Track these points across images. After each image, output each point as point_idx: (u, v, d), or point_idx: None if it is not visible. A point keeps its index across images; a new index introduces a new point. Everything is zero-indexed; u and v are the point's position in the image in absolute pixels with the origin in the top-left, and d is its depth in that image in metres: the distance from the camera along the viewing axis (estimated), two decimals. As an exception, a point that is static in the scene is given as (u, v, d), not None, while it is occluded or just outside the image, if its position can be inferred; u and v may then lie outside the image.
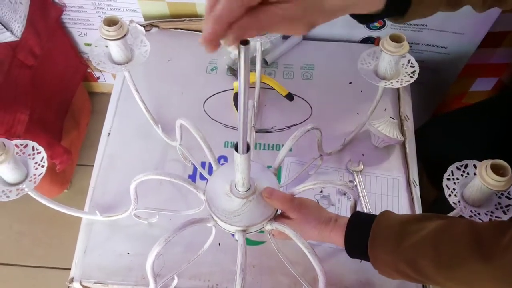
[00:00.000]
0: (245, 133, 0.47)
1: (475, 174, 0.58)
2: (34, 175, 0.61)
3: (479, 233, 0.50)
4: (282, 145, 0.70)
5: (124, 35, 0.65)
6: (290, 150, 0.83)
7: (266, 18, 0.37)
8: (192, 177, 0.82)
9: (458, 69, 1.07)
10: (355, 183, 0.80)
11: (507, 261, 0.46)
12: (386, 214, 0.59)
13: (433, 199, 0.96)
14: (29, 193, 0.61)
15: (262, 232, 0.62)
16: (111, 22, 0.64)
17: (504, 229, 0.49)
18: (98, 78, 1.43)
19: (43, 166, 0.62)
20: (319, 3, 0.41)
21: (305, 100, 0.92)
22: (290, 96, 0.90)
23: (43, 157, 0.62)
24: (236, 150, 0.49)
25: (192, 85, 0.93)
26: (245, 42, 0.37)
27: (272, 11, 0.37)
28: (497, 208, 0.60)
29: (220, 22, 0.35)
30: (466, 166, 0.63)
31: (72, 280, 0.71)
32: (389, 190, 0.80)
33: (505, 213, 0.59)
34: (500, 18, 0.91)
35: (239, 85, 0.41)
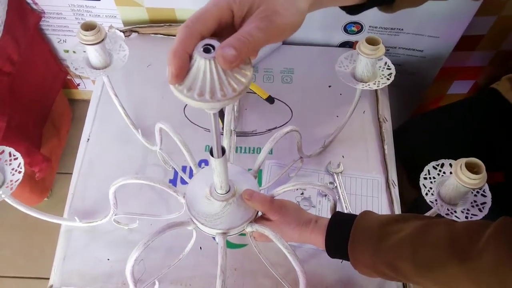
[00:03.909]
0: (218, 137, 0.47)
1: (451, 173, 0.59)
2: (11, 181, 0.60)
3: (456, 236, 0.51)
4: (263, 148, 0.70)
5: (102, 40, 0.65)
6: (271, 153, 0.84)
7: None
8: (173, 182, 0.82)
9: (434, 72, 1.09)
10: (335, 185, 0.81)
11: (482, 263, 0.47)
12: (365, 214, 0.59)
13: (413, 199, 0.97)
14: (6, 199, 0.60)
15: (244, 235, 0.62)
16: (88, 27, 0.64)
17: (479, 231, 0.49)
18: (79, 85, 1.42)
19: (20, 172, 0.61)
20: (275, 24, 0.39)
21: (285, 103, 0.93)
22: (270, 99, 0.91)
23: (20, 163, 0.61)
24: (211, 154, 0.49)
25: (172, 90, 0.93)
26: (207, 50, 0.36)
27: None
28: (473, 206, 0.61)
29: (184, 56, 0.36)
30: (442, 165, 0.64)
31: (51, 288, 0.70)
32: (369, 191, 0.80)
33: (480, 211, 0.60)
34: (474, 21, 0.93)
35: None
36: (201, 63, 0.35)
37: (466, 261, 0.48)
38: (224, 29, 0.39)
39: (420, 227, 0.54)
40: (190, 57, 0.36)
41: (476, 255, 0.48)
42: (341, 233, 0.59)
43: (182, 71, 0.36)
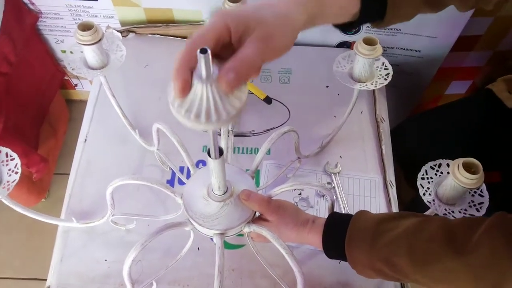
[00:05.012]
0: (215, 137, 0.47)
1: (448, 173, 0.59)
2: (8, 181, 0.60)
3: (452, 230, 0.51)
4: (261, 149, 0.70)
5: (99, 40, 0.65)
6: (269, 153, 0.84)
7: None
8: (171, 182, 0.81)
9: (432, 72, 1.09)
10: (333, 185, 0.81)
11: (478, 256, 0.48)
12: (361, 213, 0.59)
13: (411, 199, 0.97)
14: (3, 200, 0.60)
15: (241, 235, 0.62)
16: (85, 27, 0.64)
17: (475, 225, 0.50)
18: (76, 85, 1.42)
19: (16, 173, 0.61)
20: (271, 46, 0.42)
21: (283, 103, 0.92)
22: (268, 100, 0.91)
23: (16, 164, 0.61)
24: (209, 155, 0.49)
25: (170, 90, 0.93)
26: (204, 51, 0.36)
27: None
28: (470, 206, 0.61)
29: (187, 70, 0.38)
30: (439, 165, 0.64)
31: (48, 289, 0.70)
32: (367, 191, 0.81)
33: (478, 211, 0.61)
34: (471, 22, 0.93)
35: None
36: (198, 87, 0.37)
37: (462, 255, 0.49)
38: (223, 49, 0.41)
39: (416, 223, 0.54)
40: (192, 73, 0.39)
41: (472, 248, 0.48)
42: (338, 232, 0.59)
43: (187, 86, 0.38)
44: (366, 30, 1.00)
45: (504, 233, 0.47)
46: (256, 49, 0.39)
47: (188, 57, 0.39)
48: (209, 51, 0.35)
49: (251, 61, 0.39)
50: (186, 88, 0.38)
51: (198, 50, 0.35)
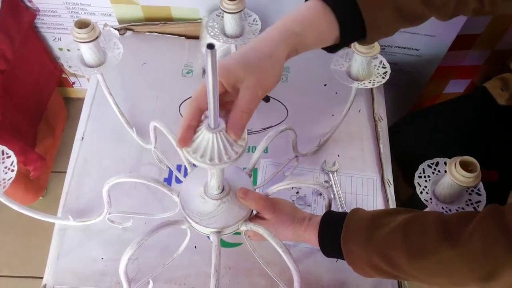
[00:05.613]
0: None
1: (445, 171, 0.59)
2: (4, 179, 0.60)
3: (446, 222, 0.51)
4: (259, 147, 0.70)
5: (96, 38, 0.65)
6: (266, 151, 0.84)
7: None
8: (168, 180, 0.81)
9: (430, 70, 1.09)
10: (330, 183, 0.81)
11: (472, 246, 0.48)
12: (357, 210, 0.60)
13: (408, 197, 0.97)
14: (-1, 198, 0.60)
15: (238, 234, 0.61)
16: (82, 24, 0.64)
17: (469, 218, 0.50)
18: (74, 83, 1.41)
19: (13, 171, 0.60)
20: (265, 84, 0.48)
21: (281, 102, 0.92)
22: (266, 98, 0.90)
23: (13, 161, 0.61)
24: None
25: (167, 88, 0.93)
26: (211, 46, 0.36)
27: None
28: (467, 204, 0.61)
29: (188, 128, 0.45)
30: (437, 163, 0.64)
31: (45, 287, 0.70)
32: (364, 189, 0.80)
33: (475, 209, 0.61)
34: (469, 21, 0.93)
35: (207, 89, 0.40)
36: (207, 135, 0.44)
37: (457, 246, 0.49)
38: (221, 97, 0.47)
39: (411, 217, 0.54)
40: (194, 126, 0.46)
41: (466, 238, 0.48)
42: (334, 229, 0.59)
43: (187, 139, 0.45)
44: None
45: (497, 224, 0.48)
46: (250, 97, 0.46)
47: (191, 116, 0.45)
48: (216, 47, 0.36)
49: (249, 110, 0.46)
50: (186, 141, 0.45)
51: (206, 45, 0.36)
